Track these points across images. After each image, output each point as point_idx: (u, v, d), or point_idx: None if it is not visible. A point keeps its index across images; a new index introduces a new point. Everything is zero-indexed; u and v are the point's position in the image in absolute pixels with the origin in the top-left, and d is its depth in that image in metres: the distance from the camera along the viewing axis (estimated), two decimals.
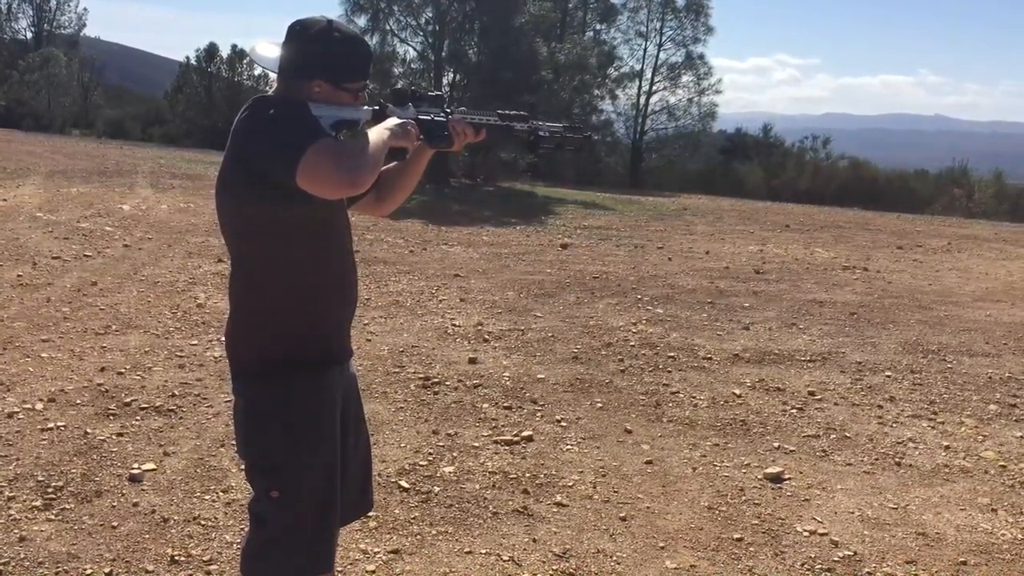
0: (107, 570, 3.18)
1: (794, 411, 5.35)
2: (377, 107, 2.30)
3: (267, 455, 2.25)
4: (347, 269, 2.35)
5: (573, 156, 24.59)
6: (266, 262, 2.22)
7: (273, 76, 2.23)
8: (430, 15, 22.18)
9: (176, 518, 3.59)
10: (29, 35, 46.14)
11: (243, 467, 2.33)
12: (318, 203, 2.09)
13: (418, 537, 3.57)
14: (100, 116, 39.06)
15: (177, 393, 5.07)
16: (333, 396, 2.30)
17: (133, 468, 4.00)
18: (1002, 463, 4.64)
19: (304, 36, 2.17)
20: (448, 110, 2.38)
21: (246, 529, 2.37)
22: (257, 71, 33.40)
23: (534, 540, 3.59)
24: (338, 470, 2.29)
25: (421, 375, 5.68)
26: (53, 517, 3.54)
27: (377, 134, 2.15)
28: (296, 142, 1.99)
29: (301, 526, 2.23)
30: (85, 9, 49.59)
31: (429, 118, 2.34)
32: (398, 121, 2.25)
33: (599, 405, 5.31)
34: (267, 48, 2.25)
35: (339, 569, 3.12)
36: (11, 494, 3.70)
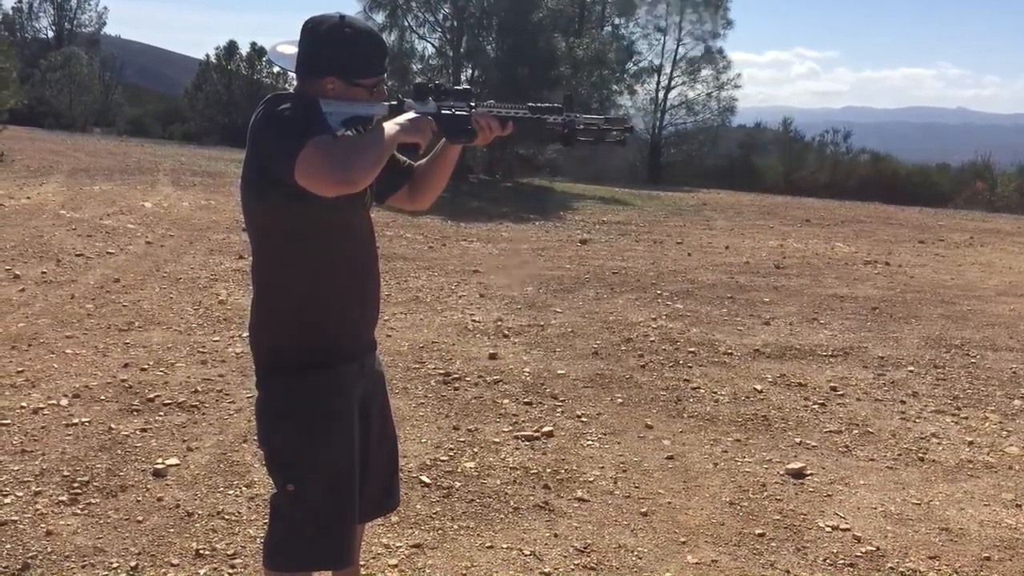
0: (132, 564, 3.22)
1: (816, 406, 5.33)
2: (395, 102, 2.25)
3: (282, 449, 2.27)
4: (364, 269, 2.35)
5: (603, 149, 24.45)
6: (281, 260, 2.23)
7: (293, 74, 2.25)
8: (448, 11, 22.18)
9: (200, 512, 3.62)
10: (50, 34, 46.53)
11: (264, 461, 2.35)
12: (328, 203, 2.08)
13: (440, 532, 3.58)
14: (121, 114, 39.34)
15: (200, 389, 5.11)
16: (348, 393, 2.30)
17: (157, 463, 4.04)
18: None
19: (315, 33, 2.17)
20: (473, 104, 2.27)
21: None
22: (276, 69, 33.52)
23: (555, 535, 3.59)
24: (355, 465, 2.29)
25: (441, 371, 5.69)
26: (79, 511, 3.58)
27: (384, 130, 2.11)
28: (295, 139, 1.99)
29: (316, 521, 2.24)
30: (105, 8, 49.82)
31: (450, 112, 2.25)
32: (410, 116, 2.19)
33: (619, 400, 5.31)
34: (286, 47, 2.26)
35: (362, 563, 3.13)
36: (37, 489, 3.75)
